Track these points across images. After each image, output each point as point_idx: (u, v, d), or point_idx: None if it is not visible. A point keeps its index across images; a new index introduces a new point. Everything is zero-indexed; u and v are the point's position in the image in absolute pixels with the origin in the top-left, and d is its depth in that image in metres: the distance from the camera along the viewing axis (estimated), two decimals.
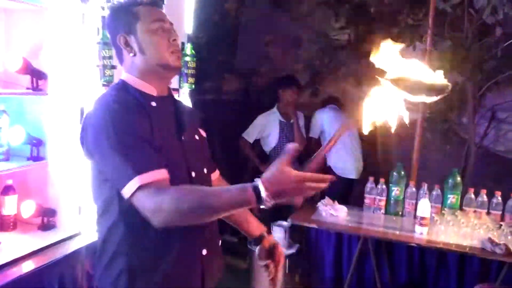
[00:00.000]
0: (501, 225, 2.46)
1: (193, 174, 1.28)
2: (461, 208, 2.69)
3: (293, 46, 4.62)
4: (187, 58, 2.52)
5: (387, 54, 1.10)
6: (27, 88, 1.96)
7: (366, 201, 2.91)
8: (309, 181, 1.01)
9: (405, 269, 2.69)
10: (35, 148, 2.00)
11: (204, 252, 1.28)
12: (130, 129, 1.15)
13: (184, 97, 2.60)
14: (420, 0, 3.57)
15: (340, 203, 2.91)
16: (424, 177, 2.93)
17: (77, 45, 1.96)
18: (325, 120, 3.68)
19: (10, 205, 1.97)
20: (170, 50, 1.26)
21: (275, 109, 3.58)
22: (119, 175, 1.12)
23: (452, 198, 2.70)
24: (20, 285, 1.64)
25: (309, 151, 3.60)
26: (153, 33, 1.25)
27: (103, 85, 1.98)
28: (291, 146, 1.03)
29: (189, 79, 2.56)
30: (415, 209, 2.67)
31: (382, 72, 1.09)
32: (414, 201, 2.78)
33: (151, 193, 1.08)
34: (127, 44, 1.26)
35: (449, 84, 1.05)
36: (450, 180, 2.71)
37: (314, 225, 2.71)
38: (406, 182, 2.83)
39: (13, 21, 2.06)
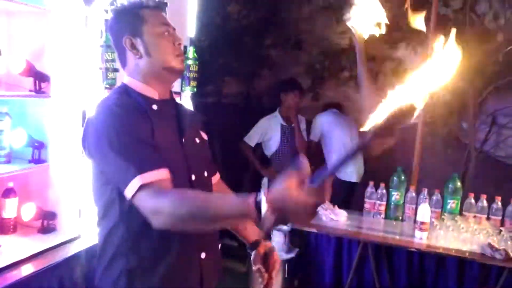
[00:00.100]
0: (501, 230, 2.46)
1: (193, 177, 1.28)
2: (461, 213, 2.69)
3: (294, 50, 4.63)
4: (189, 62, 2.52)
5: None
6: (30, 91, 1.96)
7: (366, 205, 2.91)
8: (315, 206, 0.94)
9: (405, 274, 2.68)
10: (37, 151, 2.01)
11: (203, 255, 1.29)
12: (131, 131, 1.15)
13: (186, 100, 2.61)
14: (422, 4, 3.58)
15: (342, 206, 2.91)
16: (424, 182, 2.94)
17: (80, 47, 1.97)
18: (325, 124, 3.68)
19: (11, 208, 1.97)
20: (175, 53, 1.28)
21: (276, 113, 3.58)
22: (121, 176, 1.12)
23: (452, 203, 2.70)
24: None
25: (309, 154, 3.61)
26: (159, 36, 1.26)
27: (106, 88, 1.99)
28: (304, 164, 0.95)
29: (191, 83, 2.56)
30: (415, 214, 2.67)
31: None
32: (414, 206, 2.78)
33: (152, 194, 1.08)
34: (133, 46, 1.27)
35: (419, 101, 0.96)
36: (450, 185, 2.72)
37: (314, 230, 2.71)
38: (406, 186, 2.83)
39: (16, 24, 2.07)
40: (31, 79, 1.96)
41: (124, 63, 1.32)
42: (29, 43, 2.05)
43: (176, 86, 2.42)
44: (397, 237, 2.57)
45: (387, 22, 1.02)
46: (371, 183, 2.92)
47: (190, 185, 1.27)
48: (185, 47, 2.52)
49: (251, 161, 3.63)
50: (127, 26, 1.28)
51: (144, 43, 1.26)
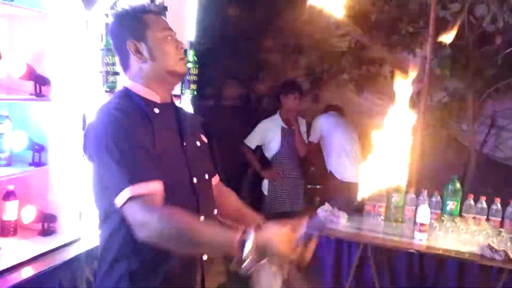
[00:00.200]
0: (500, 231, 2.47)
1: (195, 180, 1.29)
2: (460, 215, 2.69)
3: (294, 52, 4.64)
4: (189, 65, 2.54)
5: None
6: (30, 94, 1.97)
7: (366, 207, 2.92)
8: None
9: (405, 276, 2.68)
10: (37, 154, 2.01)
11: (204, 257, 1.30)
12: (130, 138, 1.16)
13: (186, 103, 2.62)
14: (420, 7, 3.59)
15: (342, 207, 2.91)
16: (424, 184, 2.94)
17: (80, 51, 1.98)
18: (324, 125, 3.69)
19: (11, 211, 1.97)
20: (178, 57, 1.29)
21: (277, 115, 3.59)
22: (114, 184, 1.14)
23: (451, 205, 2.70)
24: None
25: (308, 155, 3.62)
26: (163, 41, 1.28)
27: (106, 91, 2.00)
28: (301, 224, 1.06)
29: (191, 86, 2.57)
30: (415, 216, 2.67)
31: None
32: (413, 208, 2.78)
33: (140, 207, 1.10)
34: (137, 50, 1.28)
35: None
36: (449, 187, 2.72)
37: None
38: (406, 188, 2.84)
39: (17, 27, 2.08)
40: (31, 83, 1.97)
41: (126, 67, 1.32)
42: (29, 46, 2.06)
43: (176, 89, 2.42)
44: (397, 238, 2.58)
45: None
46: None
47: (192, 188, 1.27)
48: (185, 50, 2.53)
49: (252, 163, 3.63)
50: (130, 31, 1.28)
51: (148, 48, 1.27)
